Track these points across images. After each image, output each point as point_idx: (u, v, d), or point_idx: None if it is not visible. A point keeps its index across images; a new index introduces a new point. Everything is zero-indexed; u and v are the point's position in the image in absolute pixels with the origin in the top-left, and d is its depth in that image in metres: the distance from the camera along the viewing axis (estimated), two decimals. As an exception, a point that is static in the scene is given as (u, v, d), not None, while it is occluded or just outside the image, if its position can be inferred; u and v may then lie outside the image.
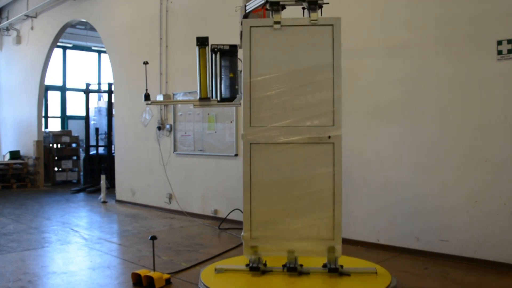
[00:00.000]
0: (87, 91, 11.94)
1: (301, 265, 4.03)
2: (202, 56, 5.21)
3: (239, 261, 4.53)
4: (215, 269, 4.12)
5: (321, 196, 4.06)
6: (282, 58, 4.08)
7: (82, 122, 12.91)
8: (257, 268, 4.02)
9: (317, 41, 4.09)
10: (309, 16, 4.11)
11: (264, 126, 4.05)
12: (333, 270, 3.98)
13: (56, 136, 12.55)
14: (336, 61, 4.10)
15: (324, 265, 4.07)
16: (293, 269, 3.96)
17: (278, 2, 4.07)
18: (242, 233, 4.07)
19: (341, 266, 4.02)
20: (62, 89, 15.34)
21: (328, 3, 4.08)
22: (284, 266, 4.01)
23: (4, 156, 13.18)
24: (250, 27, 4.09)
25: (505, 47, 4.47)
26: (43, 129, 12.56)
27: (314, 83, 4.08)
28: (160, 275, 4.11)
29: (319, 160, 4.08)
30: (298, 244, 4.04)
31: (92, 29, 11.35)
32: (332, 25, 4.10)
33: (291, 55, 4.09)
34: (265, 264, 4.08)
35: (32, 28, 11.97)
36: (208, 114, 7.40)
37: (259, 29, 4.09)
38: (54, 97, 15.24)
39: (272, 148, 4.06)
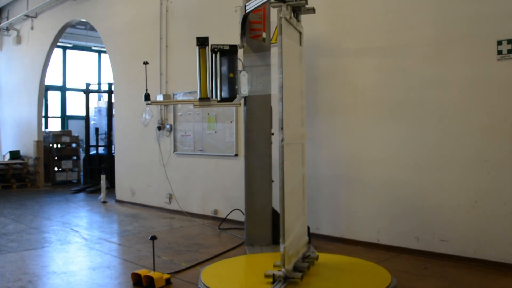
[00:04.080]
0: (87, 91, 11.94)
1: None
2: (202, 56, 5.21)
3: (240, 262, 4.54)
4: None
5: (303, 191, 4.25)
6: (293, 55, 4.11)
7: (82, 122, 12.91)
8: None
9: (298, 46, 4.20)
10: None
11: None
12: (316, 258, 4.20)
13: (56, 136, 12.55)
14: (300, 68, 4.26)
15: (304, 257, 4.17)
16: (298, 270, 3.92)
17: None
18: (284, 245, 3.54)
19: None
20: (62, 89, 15.35)
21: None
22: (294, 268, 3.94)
23: (4, 156, 13.18)
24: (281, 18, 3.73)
25: (505, 47, 4.47)
26: (43, 129, 12.56)
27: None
28: (160, 275, 4.10)
29: (301, 159, 4.21)
30: (300, 242, 4.04)
31: (92, 29, 11.35)
32: (300, 33, 4.24)
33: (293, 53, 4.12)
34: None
35: (32, 28, 11.96)
36: (208, 114, 7.40)
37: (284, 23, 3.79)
38: (54, 97, 15.24)
39: (294, 149, 3.99)
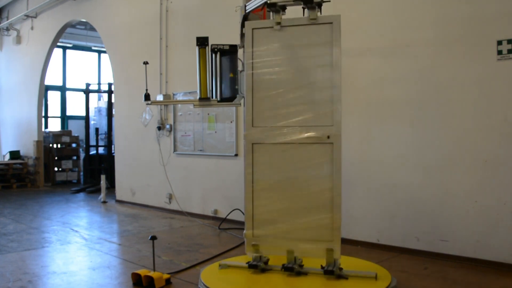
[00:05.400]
0: (87, 91, 11.94)
1: (302, 266, 4.02)
2: (202, 56, 5.20)
3: (240, 261, 4.53)
4: (219, 265, 4.19)
5: (321, 196, 4.05)
6: (284, 58, 4.10)
7: (82, 122, 12.91)
8: (255, 266, 4.06)
9: (317, 40, 4.08)
10: (309, 15, 4.12)
11: (266, 126, 4.07)
12: (329, 272, 3.86)
13: (56, 136, 12.55)
14: (335, 59, 4.07)
15: (323, 267, 4.05)
16: (290, 269, 3.96)
17: (276, 3, 4.07)
18: (244, 231, 4.12)
19: (341, 269, 3.91)
20: (62, 89, 15.35)
21: (329, 1, 4.02)
22: (283, 265, 4.01)
23: (4, 156, 13.18)
24: (252, 29, 4.13)
25: (505, 47, 4.47)
26: (43, 129, 12.55)
27: (314, 82, 4.10)
28: (160, 275, 4.11)
29: (318, 160, 4.09)
30: (298, 244, 4.03)
31: (92, 29, 11.34)
32: (331, 23, 4.06)
33: (292, 55, 4.11)
34: (266, 263, 4.10)
35: (32, 28, 11.96)
36: (208, 114, 7.40)
37: (261, 31, 4.13)
38: (54, 97, 15.24)
39: (273, 148, 4.07)
